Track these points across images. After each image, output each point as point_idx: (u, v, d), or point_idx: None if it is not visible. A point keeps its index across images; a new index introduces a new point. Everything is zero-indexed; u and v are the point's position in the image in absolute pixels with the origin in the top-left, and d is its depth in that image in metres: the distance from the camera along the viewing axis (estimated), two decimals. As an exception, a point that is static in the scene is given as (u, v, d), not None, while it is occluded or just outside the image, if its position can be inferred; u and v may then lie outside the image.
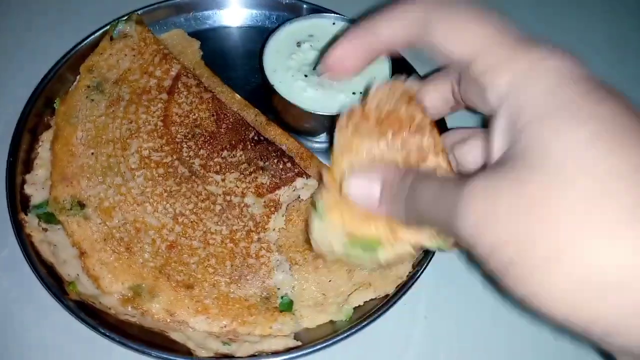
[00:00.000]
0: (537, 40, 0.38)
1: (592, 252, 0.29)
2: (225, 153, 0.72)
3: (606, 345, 0.31)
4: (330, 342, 0.61)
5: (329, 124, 0.71)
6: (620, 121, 0.31)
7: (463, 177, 0.37)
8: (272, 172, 0.71)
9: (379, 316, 0.63)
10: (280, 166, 0.71)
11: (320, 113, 0.69)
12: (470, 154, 0.49)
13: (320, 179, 0.48)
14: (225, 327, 0.62)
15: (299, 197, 0.71)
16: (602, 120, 0.31)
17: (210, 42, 0.85)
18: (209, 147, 0.72)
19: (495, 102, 0.37)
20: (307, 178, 0.71)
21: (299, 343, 0.61)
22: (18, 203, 0.67)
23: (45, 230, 0.66)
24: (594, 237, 0.29)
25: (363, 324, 0.62)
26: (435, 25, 0.41)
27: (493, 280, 0.36)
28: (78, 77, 0.77)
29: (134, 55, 0.78)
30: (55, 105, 0.75)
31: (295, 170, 0.71)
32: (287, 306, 0.64)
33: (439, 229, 0.41)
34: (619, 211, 0.29)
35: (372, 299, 0.65)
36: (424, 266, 0.66)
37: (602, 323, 0.30)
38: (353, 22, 0.77)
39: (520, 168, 0.33)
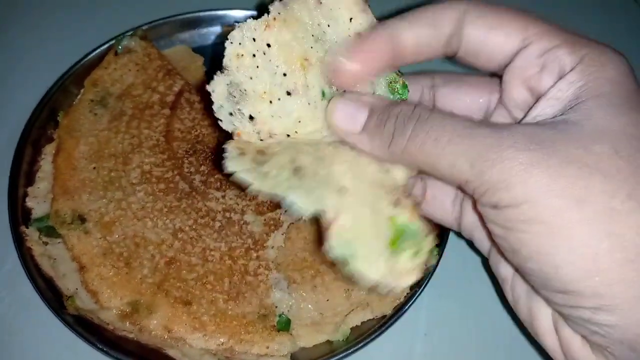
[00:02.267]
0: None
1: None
2: (226, 170, 0.73)
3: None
4: (327, 362, 0.61)
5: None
6: None
7: (488, 122, 0.42)
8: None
9: (376, 337, 0.63)
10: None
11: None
12: (459, 100, 0.52)
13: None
14: (222, 344, 0.62)
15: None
16: None
17: (214, 58, 0.86)
18: (210, 164, 0.73)
19: (552, 77, 0.42)
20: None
21: (296, 364, 0.62)
22: (19, 216, 0.67)
23: (46, 243, 0.66)
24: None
25: (360, 344, 0.62)
26: (475, 21, 0.43)
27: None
28: (82, 90, 0.77)
29: (138, 70, 0.78)
30: (58, 118, 0.75)
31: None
32: (284, 325, 0.64)
33: (435, 169, 0.41)
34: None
35: (369, 320, 0.66)
36: (422, 287, 0.66)
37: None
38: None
39: (578, 133, 0.37)
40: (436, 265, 0.68)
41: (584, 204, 0.35)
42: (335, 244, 0.44)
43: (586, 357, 0.41)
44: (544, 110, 0.41)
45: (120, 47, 0.80)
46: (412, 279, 0.46)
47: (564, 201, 0.35)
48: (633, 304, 0.35)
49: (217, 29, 0.87)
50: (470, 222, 0.53)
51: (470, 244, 0.57)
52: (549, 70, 0.42)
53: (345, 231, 0.44)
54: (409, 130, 0.41)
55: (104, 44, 0.80)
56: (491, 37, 0.43)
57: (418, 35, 0.44)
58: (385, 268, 0.45)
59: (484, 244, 0.53)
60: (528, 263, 0.38)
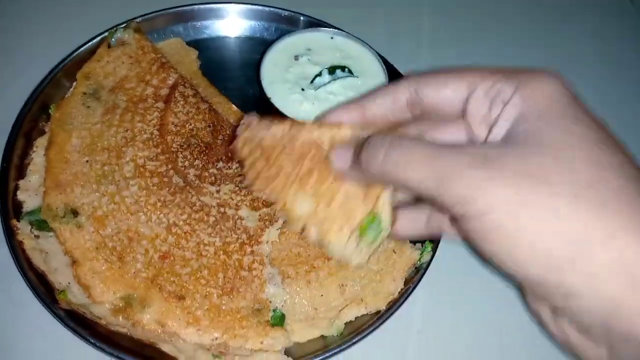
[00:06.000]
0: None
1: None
2: (220, 164, 0.72)
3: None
4: (321, 357, 0.61)
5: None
6: (601, 125, 0.44)
7: (449, 146, 0.46)
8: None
9: (370, 332, 0.63)
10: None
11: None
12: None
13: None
14: (216, 339, 0.62)
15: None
16: (588, 125, 0.43)
17: (208, 51, 0.85)
18: (204, 158, 0.73)
19: (498, 108, 0.47)
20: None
21: (290, 359, 0.61)
22: (10, 209, 0.67)
23: (37, 237, 0.66)
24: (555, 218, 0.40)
25: (354, 340, 0.62)
26: (425, 86, 0.51)
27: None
28: (74, 83, 0.76)
29: (132, 63, 0.78)
30: (50, 111, 0.74)
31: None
32: (278, 320, 0.64)
33: (408, 187, 0.47)
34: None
35: (363, 315, 0.66)
36: (416, 283, 0.66)
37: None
38: (351, 36, 0.78)
39: (524, 149, 0.42)
40: (429, 263, 0.68)
41: (534, 208, 0.40)
42: (313, 233, 0.55)
43: (582, 344, 0.44)
44: (497, 133, 0.47)
45: (113, 40, 0.79)
46: (363, 259, 0.56)
47: (517, 207, 0.41)
48: (594, 289, 0.39)
49: (211, 22, 0.87)
50: None
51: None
52: (495, 105, 0.48)
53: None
54: (381, 154, 0.48)
55: (96, 36, 0.80)
56: (441, 95, 0.51)
57: (381, 106, 0.54)
58: (347, 246, 0.55)
59: None
60: (503, 265, 0.43)
